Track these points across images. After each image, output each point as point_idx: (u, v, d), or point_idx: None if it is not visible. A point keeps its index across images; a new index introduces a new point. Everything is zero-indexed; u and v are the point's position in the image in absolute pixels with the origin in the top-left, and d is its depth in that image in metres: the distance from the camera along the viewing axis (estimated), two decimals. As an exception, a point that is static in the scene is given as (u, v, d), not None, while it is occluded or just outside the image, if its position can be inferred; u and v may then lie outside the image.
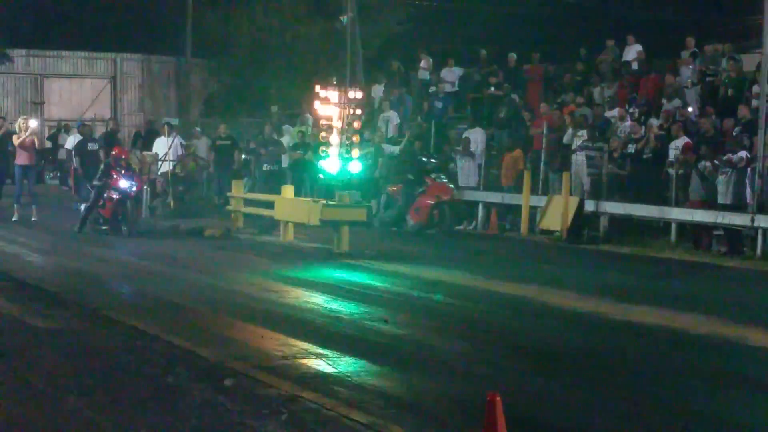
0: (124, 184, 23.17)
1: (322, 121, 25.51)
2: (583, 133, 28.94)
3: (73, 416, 9.09)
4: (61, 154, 36.86)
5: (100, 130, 37.38)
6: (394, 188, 27.95)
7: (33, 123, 32.77)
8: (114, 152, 25.68)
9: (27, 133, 29.88)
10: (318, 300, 16.71)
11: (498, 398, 7.37)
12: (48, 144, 40.83)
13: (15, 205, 29.49)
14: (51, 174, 33.67)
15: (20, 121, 31.52)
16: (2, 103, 44.15)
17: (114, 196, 23.41)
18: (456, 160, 31.66)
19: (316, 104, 25.63)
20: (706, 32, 31.29)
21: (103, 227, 23.94)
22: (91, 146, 33.63)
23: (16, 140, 30.10)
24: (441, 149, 32.25)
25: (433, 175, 27.05)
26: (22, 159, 30.15)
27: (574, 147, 28.92)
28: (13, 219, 28.75)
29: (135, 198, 24.12)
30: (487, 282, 19.00)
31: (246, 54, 44.76)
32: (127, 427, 8.77)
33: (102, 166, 25.10)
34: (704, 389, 11.22)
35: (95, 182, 24.57)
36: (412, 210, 26.51)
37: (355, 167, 26.53)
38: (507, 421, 7.19)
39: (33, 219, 28.70)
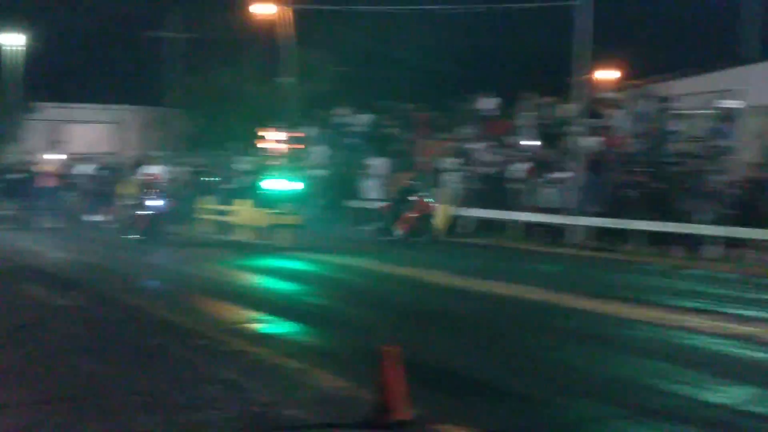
0: (156, 202, 22.05)
1: (263, 154, 26.17)
2: (454, 160, 29.16)
3: (80, 369, 8.89)
4: (74, 179, 36.24)
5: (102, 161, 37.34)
6: (384, 205, 26.06)
7: (52, 156, 32.88)
8: (148, 176, 24.90)
9: (47, 164, 30.11)
10: (264, 281, 16.64)
11: (392, 349, 7.25)
12: (64, 171, 40.06)
13: (35, 216, 29.41)
14: (66, 193, 33.22)
15: (42, 155, 31.89)
16: (31, 142, 43.89)
17: (148, 212, 22.19)
18: (363, 180, 31.81)
19: (260, 142, 26.19)
20: (542, 88, 31.55)
21: (137, 236, 22.51)
22: (101, 173, 33.60)
23: (37, 168, 30.49)
24: (355, 173, 32.39)
25: (420, 194, 24.65)
26: (43, 182, 30.87)
27: (447, 169, 29.09)
28: (35, 226, 28.45)
29: (165, 214, 22.71)
30: (384, 266, 18.99)
31: (214, 104, 44.90)
32: (121, 377, 8.60)
33: (140, 188, 23.71)
34: (536, 335, 11.36)
35: (132, 201, 23.38)
36: (400, 221, 24.33)
37: (294, 186, 27.07)
38: (404, 366, 7.13)
39: (48, 226, 28.38)
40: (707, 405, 8.10)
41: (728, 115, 25.29)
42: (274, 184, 28.38)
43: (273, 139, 35.96)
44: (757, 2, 33.69)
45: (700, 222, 22.09)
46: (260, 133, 35.52)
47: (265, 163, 31.92)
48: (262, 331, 11.44)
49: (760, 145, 24.14)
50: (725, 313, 13.12)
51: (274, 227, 24.66)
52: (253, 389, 8.12)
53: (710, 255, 21.27)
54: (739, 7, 34.42)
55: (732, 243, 21.40)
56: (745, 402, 8.19)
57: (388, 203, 25.62)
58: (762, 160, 23.24)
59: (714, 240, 21.68)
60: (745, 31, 33.70)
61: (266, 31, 38.90)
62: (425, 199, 24.28)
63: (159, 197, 22.37)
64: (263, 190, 27.90)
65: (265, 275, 17.53)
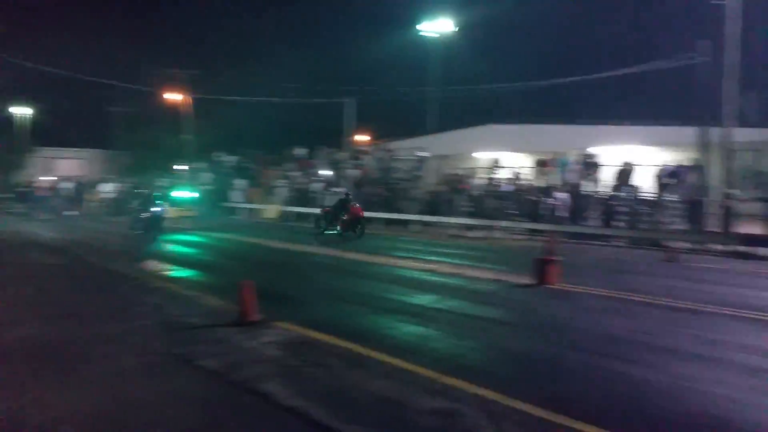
0: (156, 208, 18.22)
1: (174, 177, 24.68)
2: (282, 181, 28.88)
3: (64, 299, 8.24)
4: (59, 190, 33.05)
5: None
6: (327, 209, 20.21)
7: (46, 177, 30.57)
8: (148, 191, 21.06)
9: (43, 182, 27.85)
10: (174, 247, 15.73)
11: (247, 282, 7.16)
12: (53, 186, 36.46)
13: (35, 212, 27.24)
14: (54, 199, 30.75)
15: (39, 177, 29.52)
16: (33, 169, 41.08)
17: (149, 216, 17.99)
18: (231, 192, 30.92)
19: (173, 170, 24.63)
20: (329, 143, 31.82)
21: (142, 231, 18.09)
22: (76, 187, 31.30)
23: (36, 184, 28.68)
24: (226, 188, 31.49)
25: (353, 203, 19.43)
26: (40, 192, 29.68)
27: (278, 186, 28.74)
28: (35, 218, 25.95)
29: (161, 217, 18.44)
30: (248, 239, 18.39)
31: (144, 149, 42.94)
32: (90, 303, 8.04)
33: (144, 199, 19.11)
34: (324, 272, 11.30)
35: (140, 208, 18.83)
36: (340, 221, 19.07)
37: (192, 194, 26.08)
38: (255, 291, 7.02)
39: (42, 218, 25.99)
40: (412, 304, 8.44)
41: (421, 159, 26.45)
42: (180, 193, 27.34)
43: (179, 169, 34.51)
44: (434, 102, 35.37)
45: (408, 213, 23.01)
46: (173, 166, 34.12)
47: (175, 182, 30.65)
48: (174, 275, 10.85)
49: (437, 175, 25.42)
50: (421, 258, 13.53)
51: (180, 218, 23.57)
52: (169, 308, 7.81)
53: (414, 230, 22.16)
54: (425, 102, 36.00)
55: (425, 223, 22.45)
56: (430, 302, 8.61)
57: (328, 208, 20.36)
58: (438, 182, 24.48)
59: (415, 222, 22.62)
60: (429, 114, 35.29)
61: (175, 106, 37.49)
62: (355, 206, 19.36)
63: (157, 205, 18.61)
64: (174, 197, 26.69)
65: (175, 244, 16.61)
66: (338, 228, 19.13)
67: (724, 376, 5.52)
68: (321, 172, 28.77)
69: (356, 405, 4.72)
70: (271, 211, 28.12)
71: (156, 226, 18.17)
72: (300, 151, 31.96)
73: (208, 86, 37.64)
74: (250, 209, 29.76)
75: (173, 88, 36.51)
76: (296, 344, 6.22)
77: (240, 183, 31.18)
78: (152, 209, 18.34)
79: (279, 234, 19.90)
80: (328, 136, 34.27)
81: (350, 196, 19.83)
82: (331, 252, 14.61)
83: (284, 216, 27.47)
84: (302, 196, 27.41)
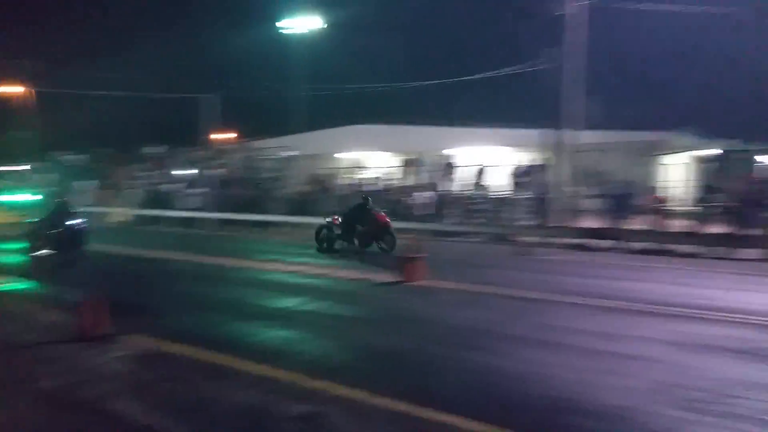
0: (73, 221, 14.40)
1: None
2: (134, 182, 27.38)
3: None
4: None
5: None
6: (336, 218, 15.60)
7: None
8: (60, 200, 16.95)
9: None
10: (9, 257, 14.07)
11: (93, 293, 6.68)
12: None
13: None
14: None
15: None
16: None
17: (61, 231, 14.00)
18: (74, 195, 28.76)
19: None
20: (190, 142, 30.48)
21: (53, 250, 13.81)
22: None
23: None
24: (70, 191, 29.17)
25: (375, 209, 15.26)
26: None
27: (129, 187, 27.11)
28: None
29: (81, 231, 14.56)
30: (96, 245, 16.99)
31: None
32: None
33: (57, 211, 14.94)
34: (183, 280, 10.81)
35: (44, 222, 14.66)
36: (358, 233, 15.09)
37: (34, 198, 23.93)
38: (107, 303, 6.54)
39: None
40: (277, 308, 8.37)
41: (287, 159, 26.27)
42: (16, 197, 24.63)
43: (17, 170, 31.43)
44: (302, 100, 35.21)
45: (274, 213, 22.67)
46: (5, 168, 31.03)
47: (9, 184, 27.68)
48: (6, 288, 9.78)
49: (304, 175, 25.37)
50: (287, 260, 13.37)
51: (18, 224, 21.16)
52: (1, 325, 7.05)
53: (282, 231, 21.83)
54: (290, 101, 35.71)
55: (293, 225, 22.23)
56: (296, 305, 8.57)
57: (337, 216, 15.78)
58: (305, 182, 24.42)
59: (283, 223, 22.33)
60: (295, 113, 35.07)
61: (14, 100, 33.94)
62: (379, 212, 15.23)
63: (72, 219, 14.72)
64: (6, 201, 24.04)
65: (7, 253, 14.88)
66: (355, 241, 15.24)
67: (567, 359, 6.11)
68: (179, 171, 27.47)
69: (217, 418, 4.60)
70: (121, 214, 26.31)
71: (75, 243, 14.52)
72: (154, 150, 30.31)
73: (55, 79, 34.28)
74: (98, 213, 27.65)
75: (12, 80, 32.98)
76: (150, 358, 5.91)
77: (84, 184, 28.86)
78: (67, 223, 14.67)
79: (131, 240, 18.69)
80: (189, 133, 32.94)
81: (371, 201, 15.53)
82: (192, 258, 13.98)
83: (137, 219, 25.82)
84: (157, 198, 25.96)
